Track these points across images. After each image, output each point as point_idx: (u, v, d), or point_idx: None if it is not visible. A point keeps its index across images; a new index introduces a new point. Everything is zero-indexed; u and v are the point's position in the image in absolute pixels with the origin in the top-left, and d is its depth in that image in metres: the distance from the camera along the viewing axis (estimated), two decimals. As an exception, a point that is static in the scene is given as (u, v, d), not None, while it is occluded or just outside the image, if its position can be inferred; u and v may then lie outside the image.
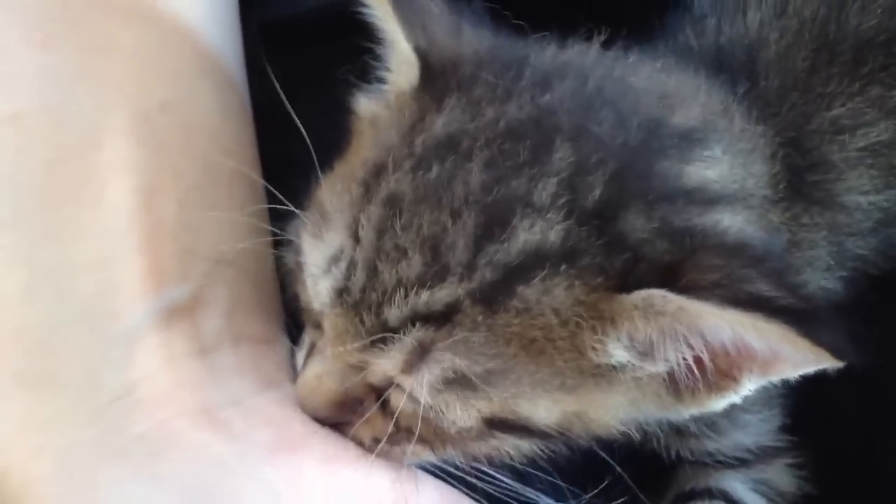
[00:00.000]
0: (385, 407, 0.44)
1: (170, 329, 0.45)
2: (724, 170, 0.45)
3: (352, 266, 0.42)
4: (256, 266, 0.49)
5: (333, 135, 0.48)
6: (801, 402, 0.55)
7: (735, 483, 0.55)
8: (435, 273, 0.40)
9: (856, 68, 0.52)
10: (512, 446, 0.45)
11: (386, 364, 0.42)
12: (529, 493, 0.48)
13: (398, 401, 0.42)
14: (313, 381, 0.45)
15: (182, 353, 0.45)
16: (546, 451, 0.46)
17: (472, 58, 0.46)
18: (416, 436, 0.43)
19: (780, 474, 0.56)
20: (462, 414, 0.42)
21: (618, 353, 0.41)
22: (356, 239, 0.42)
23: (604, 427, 0.44)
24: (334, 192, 0.44)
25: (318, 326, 0.45)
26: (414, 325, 0.40)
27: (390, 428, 0.44)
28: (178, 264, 0.46)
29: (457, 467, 0.46)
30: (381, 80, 0.50)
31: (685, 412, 0.44)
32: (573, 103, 0.44)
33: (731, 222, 0.43)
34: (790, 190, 0.50)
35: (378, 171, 0.43)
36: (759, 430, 0.55)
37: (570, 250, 0.40)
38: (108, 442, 0.42)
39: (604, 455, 0.46)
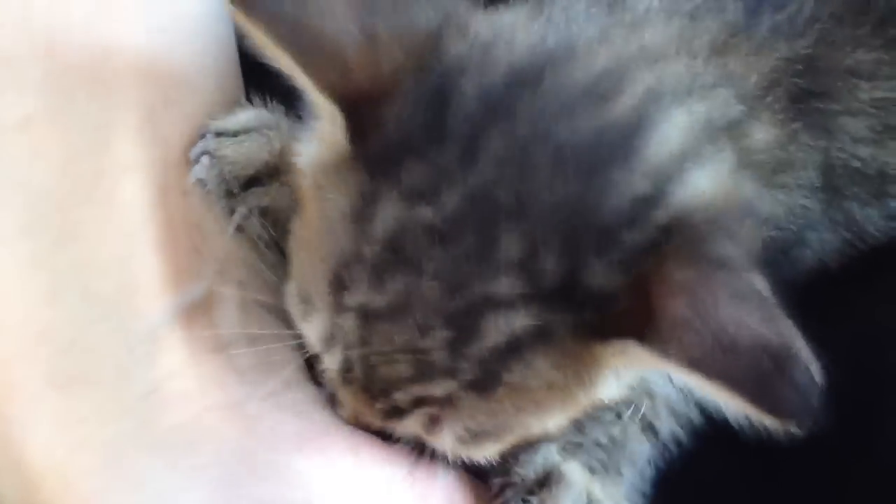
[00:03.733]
0: None
1: (189, 327, 0.46)
2: (682, 127, 0.43)
3: (347, 361, 0.43)
4: (263, 264, 0.50)
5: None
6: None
7: None
8: (423, 374, 0.41)
9: (882, 28, 0.51)
10: None
11: (406, 428, 0.45)
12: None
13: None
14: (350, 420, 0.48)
15: (203, 349, 0.46)
16: None
17: (398, 100, 0.41)
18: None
19: None
20: (484, 452, 0.46)
21: (609, 389, 0.43)
22: (342, 339, 0.42)
23: None
24: (305, 270, 0.44)
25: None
26: (421, 407, 0.43)
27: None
28: (192, 263, 0.47)
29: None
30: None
31: None
32: (505, 166, 0.40)
33: (700, 184, 0.41)
34: (793, 109, 0.49)
35: (339, 281, 0.42)
36: None
37: (541, 329, 0.40)
38: (143, 435, 0.44)
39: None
